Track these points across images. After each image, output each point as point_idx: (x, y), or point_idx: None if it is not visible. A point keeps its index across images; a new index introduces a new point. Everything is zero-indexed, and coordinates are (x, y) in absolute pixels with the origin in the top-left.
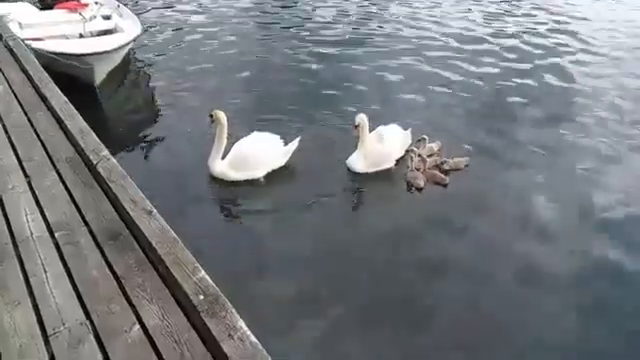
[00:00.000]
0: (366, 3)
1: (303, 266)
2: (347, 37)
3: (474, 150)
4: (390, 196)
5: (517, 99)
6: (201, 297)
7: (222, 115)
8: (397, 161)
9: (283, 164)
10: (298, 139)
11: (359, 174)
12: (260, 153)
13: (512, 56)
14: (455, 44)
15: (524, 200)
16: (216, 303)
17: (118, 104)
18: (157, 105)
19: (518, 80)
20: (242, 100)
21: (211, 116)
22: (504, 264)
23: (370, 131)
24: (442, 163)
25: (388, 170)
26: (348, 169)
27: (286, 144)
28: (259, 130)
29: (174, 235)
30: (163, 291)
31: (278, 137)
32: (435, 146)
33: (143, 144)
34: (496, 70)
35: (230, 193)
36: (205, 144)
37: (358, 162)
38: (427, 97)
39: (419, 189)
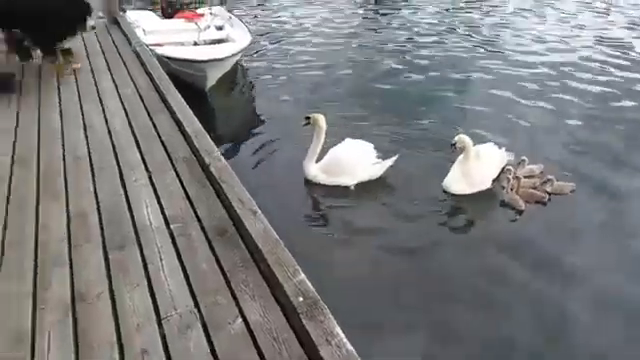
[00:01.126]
0: (467, 20)
1: (391, 285)
2: (449, 54)
3: (580, 176)
4: (487, 218)
5: (635, 126)
6: (300, 299)
7: (321, 118)
8: (493, 181)
9: (376, 176)
10: (396, 157)
11: (455, 195)
12: (354, 161)
13: (626, 76)
14: (563, 65)
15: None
16: (315, 307)
17: (225, 108)
18: (260, 109)
19: (633, 103)
20: (341, 108)
21: (307, 118)
22: (617, 309)
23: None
24: (544, 183)
25: (486, 192)
26: (444, 191)
27: (383, 158)
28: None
29: (276, 236)
30: (264, 289)
31: (372, 147)
32: (536, 168)
33: (246, 145)
34: (608, 93)
35: (321, 198)
36: (302, 148)
37: (454, 183)
38: (531, 118)
39: (520, 211)
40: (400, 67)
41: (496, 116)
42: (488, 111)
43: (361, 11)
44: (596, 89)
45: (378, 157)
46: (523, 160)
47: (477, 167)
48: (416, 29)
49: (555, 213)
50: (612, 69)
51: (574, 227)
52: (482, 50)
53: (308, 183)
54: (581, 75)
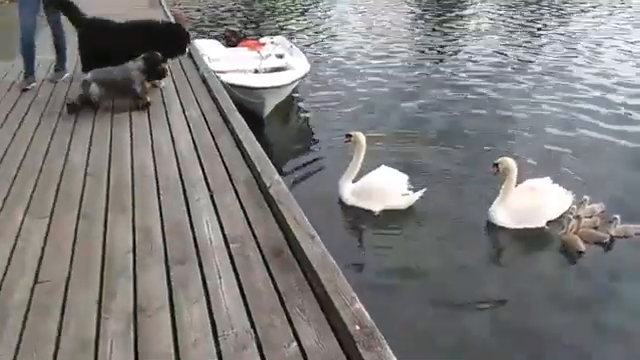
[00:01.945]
0: (521, 41)
1: (430, 325)
2: (502, 78)
3: None
4: (538, 259)
5: None
6: (357, 328)
7: (362, 137)
8: (549, 222)
9: (403, 207)
10: (423, 190)
11: (499, 228)
12: (383, 188)
13: None
14: (629, 98)
15: None
16: (372, 337)
17: (282, 134)
18: (315, 135)
19: None
20: (390, 132)
21: (348, 136)
22: None
23: (518, 183)
24: (607, 223)
25: (540, 230)
26: (488, 222)
27: (414, 187)
28: (392, 165)
29: (334, 262)
30: (320, 315)
31: (406, 178)
32: (598, 208)
33: (300, 170)
34: None
35: (352, 220)
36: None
37: (498, 213)
38: (594, 153)
39: (579, 252)
40: (450, 93)
41: (552, 150)
42: (543, 144)
43: (418, 38)
44: None
45: (410, 189)
46: (585, 199)
47: (527, 200)
48: (474, 60)
49: (618, 256)
50: None
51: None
52: (536, 77)
53: (341, 204)
54: None
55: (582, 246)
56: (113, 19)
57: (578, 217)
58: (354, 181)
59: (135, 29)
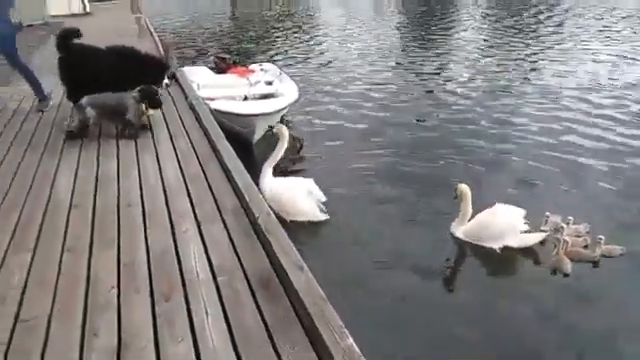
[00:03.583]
0: (513, 57)
1: None
2: (490, 98)
3: (629, 239)
4: (526, 278)
5: None
6: None
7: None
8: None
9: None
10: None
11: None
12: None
13: None
14: (616, 118)
15: None
16: None
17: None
18: (304, 161)
19: None
20: (380, 159)
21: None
22: None
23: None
24: (596, 243)
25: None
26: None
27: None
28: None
29: (322, 293)
30: (309, 351)
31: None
32: (583, 228)
33: None
34: None
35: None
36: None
37: (457, 231)
38: (578, 174)
39: (565, 275)
40: (447, 117)
41: (534, 172)
42: (529, 163)
43: (408, 60)
44: None
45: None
46: (569, 220)
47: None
48: (463, 84)
49: (604, 276)
50: None
51: (625, 291)
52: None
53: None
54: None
55: (568, 268)
56: (95, 45)
57: (565, 241)
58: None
59: (115, 55)
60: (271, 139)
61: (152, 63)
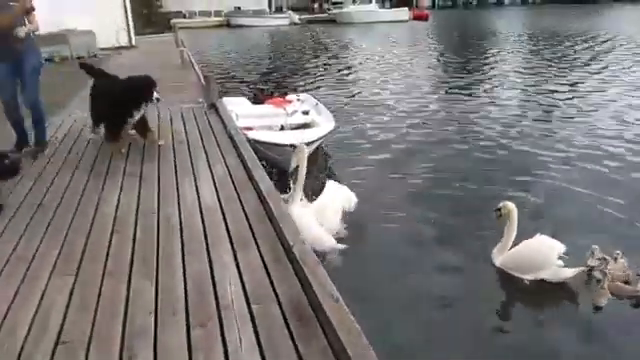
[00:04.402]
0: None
1: None
2: (524, 122)
3: None
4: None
5: None
6: None
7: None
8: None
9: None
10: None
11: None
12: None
13: None
14: None
15: None
16: None
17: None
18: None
19: None
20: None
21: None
22: None
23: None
24: (637, 277)
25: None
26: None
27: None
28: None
29: (358, 327)
30: None
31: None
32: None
33: None
34: None
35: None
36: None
37: (497, 258)
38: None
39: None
40: (465, 147)
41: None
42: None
43: (444, 89)
44: None
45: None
46: (617, 254)
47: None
48: (499, 107)
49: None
50: None
51: None
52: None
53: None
54: None
55: (603, 301)
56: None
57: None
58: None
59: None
60: (309, 167)
61: (139, 82)
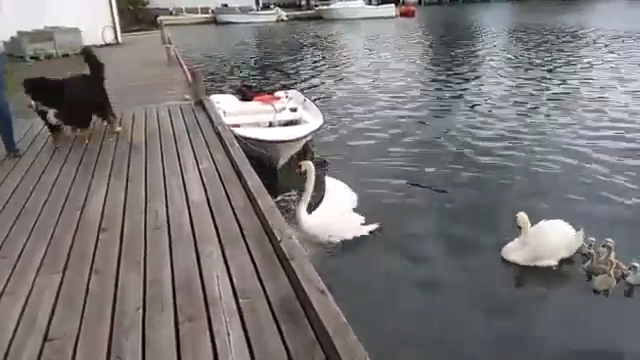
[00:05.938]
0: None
1: None
2: (521, 120)
3: None
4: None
5: None
6: None
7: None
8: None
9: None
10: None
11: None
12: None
13: None
14: None
15: None
16: None
17: (295, 186)
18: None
19: None
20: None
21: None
22: None
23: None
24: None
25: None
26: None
27: None
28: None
29: (345, 320)
30: None
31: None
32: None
33: None
34: None
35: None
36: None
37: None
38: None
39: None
40: (468, 151)
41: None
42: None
43: (434, 88)
44: None
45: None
46: (610, 244)
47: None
48: (495, 108)
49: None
50: None
51: None
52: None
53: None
54: None
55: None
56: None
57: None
58: None
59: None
60: (296, 164)
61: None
